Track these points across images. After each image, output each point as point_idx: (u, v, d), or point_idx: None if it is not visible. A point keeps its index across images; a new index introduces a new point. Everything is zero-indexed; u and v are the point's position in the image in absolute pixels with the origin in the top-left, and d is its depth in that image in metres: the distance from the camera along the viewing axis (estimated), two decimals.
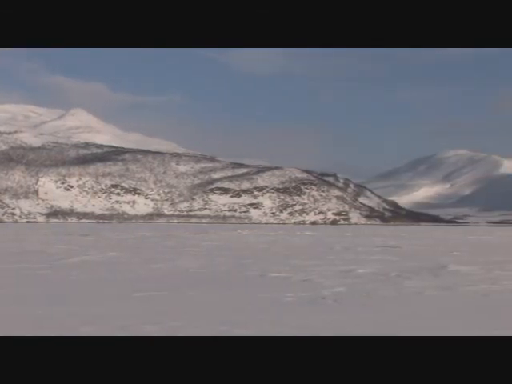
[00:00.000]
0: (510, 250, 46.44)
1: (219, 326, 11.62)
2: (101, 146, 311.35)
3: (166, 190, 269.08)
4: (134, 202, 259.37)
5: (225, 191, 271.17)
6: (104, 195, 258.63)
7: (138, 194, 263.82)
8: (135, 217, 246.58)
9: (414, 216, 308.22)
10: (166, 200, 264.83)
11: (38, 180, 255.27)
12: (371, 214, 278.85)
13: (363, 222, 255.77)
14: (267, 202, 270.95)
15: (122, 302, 15.40)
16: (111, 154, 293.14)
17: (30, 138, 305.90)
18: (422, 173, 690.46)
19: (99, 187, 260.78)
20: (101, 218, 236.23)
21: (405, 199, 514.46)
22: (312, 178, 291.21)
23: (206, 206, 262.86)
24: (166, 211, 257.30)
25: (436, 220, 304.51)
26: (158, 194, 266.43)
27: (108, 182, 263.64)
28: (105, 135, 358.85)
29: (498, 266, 27.39)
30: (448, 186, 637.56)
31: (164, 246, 45.66)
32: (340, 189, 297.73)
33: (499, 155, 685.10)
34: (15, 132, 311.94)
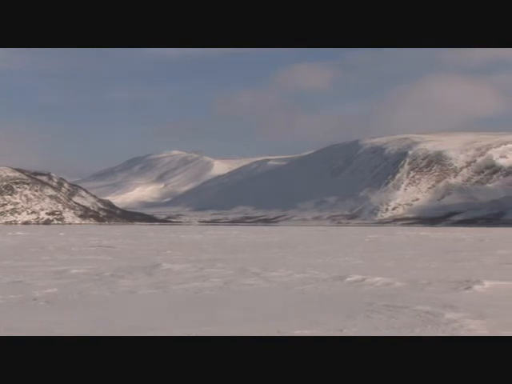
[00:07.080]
0: (220, 247, 48.37)
1: None
2: None
3: None
4: None
5: None
6: None
7: None
8: None
9: (129, 215, 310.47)
10: None
11: None
12: (86, 213, 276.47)
13: (78, 222, 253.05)
14: None
15: None
16: None
17: None
18: (137, 173, 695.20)
19: None
20: None
21: (120, 199, 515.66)
22: (24, 177, 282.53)
23: None
24: None
25: (150, 219, 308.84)
26: None
27: None
28: None
29: (208, 264, 28.42)
30: (162, 185, 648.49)
31: None
32: (54, 188, 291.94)
33: (210, 156, 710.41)
34: None
